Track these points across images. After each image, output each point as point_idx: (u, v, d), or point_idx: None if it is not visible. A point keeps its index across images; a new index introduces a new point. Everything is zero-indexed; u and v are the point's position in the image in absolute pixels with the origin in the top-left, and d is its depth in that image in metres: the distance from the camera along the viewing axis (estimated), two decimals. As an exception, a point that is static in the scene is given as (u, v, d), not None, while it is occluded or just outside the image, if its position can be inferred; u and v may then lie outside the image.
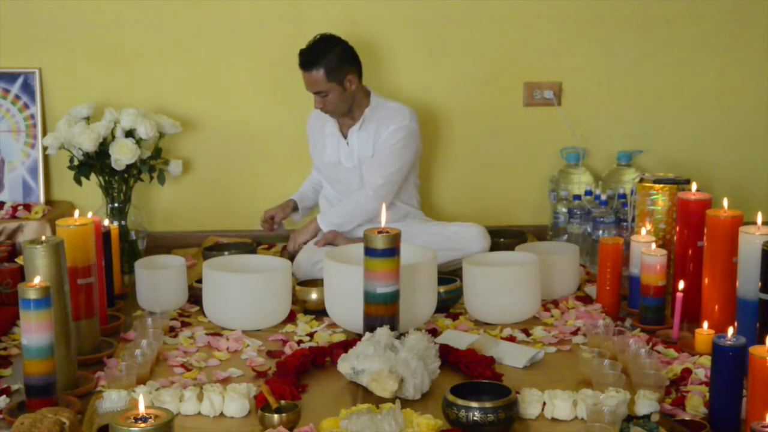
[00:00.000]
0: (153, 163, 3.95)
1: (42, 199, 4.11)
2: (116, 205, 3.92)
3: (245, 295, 3.19)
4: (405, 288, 2.99)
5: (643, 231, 3.44)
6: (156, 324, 3.05)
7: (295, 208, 4.05)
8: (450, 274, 3.54)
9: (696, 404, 2.56)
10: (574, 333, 3.17)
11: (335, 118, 3.84)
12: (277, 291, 3.23)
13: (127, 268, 3.76)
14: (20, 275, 3.33)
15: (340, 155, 3.87)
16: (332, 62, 3.69)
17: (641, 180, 3.64)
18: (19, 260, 3.39)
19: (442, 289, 3.35)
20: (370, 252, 2.90)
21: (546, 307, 3.42)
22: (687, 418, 2.49)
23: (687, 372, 2.79)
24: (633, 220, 3.74)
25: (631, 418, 2.46)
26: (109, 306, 3.33)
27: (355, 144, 3.84)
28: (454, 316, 3.35)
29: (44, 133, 4.07)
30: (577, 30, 4.29)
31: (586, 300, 3.50)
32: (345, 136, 3.86)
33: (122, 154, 3.80)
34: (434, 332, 3.13)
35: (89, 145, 3.78)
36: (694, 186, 3.38)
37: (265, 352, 3.03)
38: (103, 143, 3.84)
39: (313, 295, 3.37)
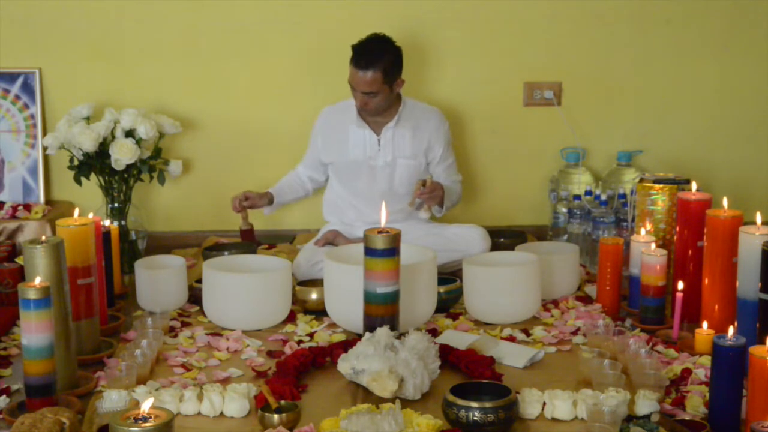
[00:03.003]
0: (153, 163, 3.95)
1: (42, 199, 4.10)
2: (116, 205, 3.91)
3: (245, 295, 3.19)
4: (405, 288, 2.99)
5: (643, 231, 3.44)
6: (156, 324, 3.05)
7: (269, 202, 3.95)
8: (450, 275, 3.54)
9: (696, 404, 2.56)
10: (574, 333, 3.17)
11: (371, 116, 3.78)
12: (277, 291, 3.23)
13: (127, 268, 3.76)
14: (20, 275, 3.33)
15: (368, 152, 3.81)
16: (390, 65, 3.65)
17: (641, 180, 3.64)
18: (19, 260, 3.39)
19: (442, 289, 3.35)
20: (370, 252, 2.90)
21: (546, 307, 3.42)
22: (687, 418, 2.49)
23: (687, 372, 2.79)
24: (633, 220, 3.74)
25: (631, 418, 2.46)
26: (109, 306, 3.32)
27: (390, 141, 3.79)
28: (454, 316, 3.35)
29: (44, 133, 4.06)
30: (577, 30, 4.29)
31: (586, 300, 3.50)
32: (375, 133, 3.80)
33: (122, 154, 3.80)
34: (434, 332, 3.13)
35: (89, 145, 3.78)
36: (694, 186, 3.38)
37: (265, 352, 3.03)
38: (103, 143, 3.84)
39: (313, 295, 3.37)
